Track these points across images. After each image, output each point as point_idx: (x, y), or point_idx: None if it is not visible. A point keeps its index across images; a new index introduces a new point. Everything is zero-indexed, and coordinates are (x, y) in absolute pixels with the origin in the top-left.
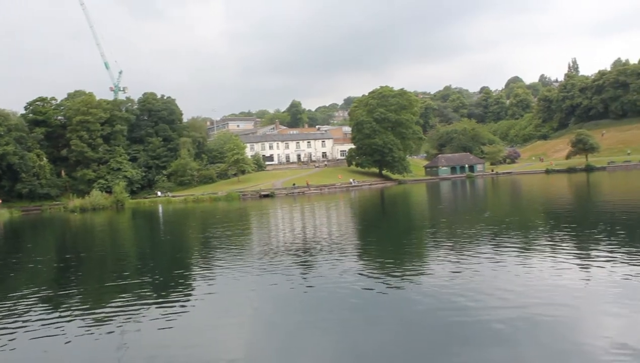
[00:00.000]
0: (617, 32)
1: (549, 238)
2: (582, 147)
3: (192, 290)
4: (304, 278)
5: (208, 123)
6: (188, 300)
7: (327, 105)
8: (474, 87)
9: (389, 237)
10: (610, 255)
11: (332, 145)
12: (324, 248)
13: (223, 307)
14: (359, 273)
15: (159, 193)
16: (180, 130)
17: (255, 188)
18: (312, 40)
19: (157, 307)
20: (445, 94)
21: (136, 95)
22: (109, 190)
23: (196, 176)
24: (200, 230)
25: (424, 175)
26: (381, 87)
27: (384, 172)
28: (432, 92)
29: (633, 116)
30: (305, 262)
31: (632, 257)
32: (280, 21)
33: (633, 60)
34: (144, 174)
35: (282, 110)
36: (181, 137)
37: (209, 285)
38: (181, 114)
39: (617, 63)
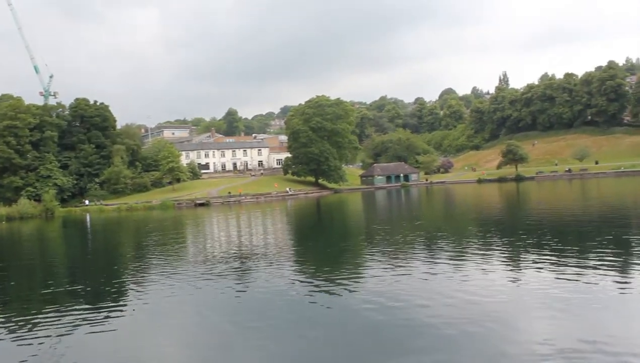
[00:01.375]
0: (545, 48)
1: (481, 246)
2: (512, 157)
3: (123, 300)
4: (240, 286)
5: (142, 130)
6: (119, 311)
7: (263, 113)
8: (409, 98)
9: (325, 245)
10: (539, 261)
11: (269, 154)
12: (260, 257)
13: (156, 316)
14: (295, 281)
15: (87, 202)
16: (114, 137)
17: (190, 196)
18: (249, 47)
19: (88, 317)
20: (381, 104)
21: (68, 101)
22: (38, 199)
23: (130, 184)
24: (134, 239)
25: (360, 184)
26: (318, 96)
27: (320, 180)
28: (368, 102)
29: (559, 128)
30: (241, 270)
31: (560, 263)
32: (217, 27)
33: (559, 75)
34: (75, 181)
35: (219, 118)
36: (115, 145)
37: (141, 294)
38: (115, 121)
39: (545, 77)
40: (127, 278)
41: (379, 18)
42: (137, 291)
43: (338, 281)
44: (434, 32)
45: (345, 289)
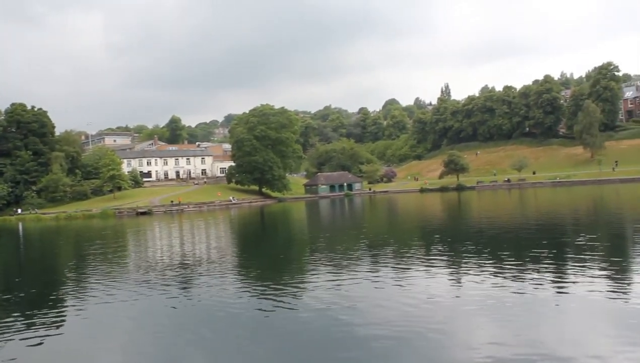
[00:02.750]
0: (485, 61)
1: (423, 254)
2: (454, 167)
3: (57, 311)
4: (182, 297)
5: (83, 137)
6: (57, 323)
7: (207, 121)
8: (353, 108)
9: (269, 254)
10: (479, 268)
11: (212, 163)
12: (203, 266)
13: (93, 326)
14: (239, 291)
15: (19, 211)
16: (53, 144)
17: (132, 205)
18: (193, 55)
19: (20, 327)
20: (325, 114)
21: (4, 106)
22: None
23: (69, 192)
24: (72, 249)
25: (304, 193)
26: (262, 105)
27: (264, 189)
28: (312, 111)
29: (499, 139)
30: (183, 280)
31: (499, 270)
32: (161, 34)
33: (498, 88)
34: (10, 189)
35: (161, 126)
36: (53, 151)
37: (78, 305)
38: (53, 127)
39: (485, 89)
40: (63, 288)
41: (323, 29)
42: (74, 302)
43: (282, 291)
44: (378, 43)
45: (289, 299)
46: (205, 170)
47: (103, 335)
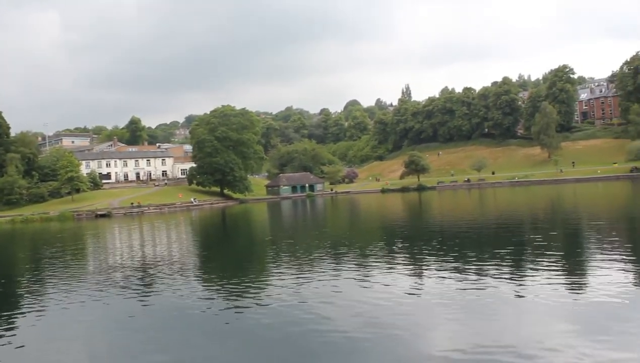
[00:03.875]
0: (446, 63)
1: (385, 254)
2: (414, 168)
3: (19, 314)
4: (142, 299)
5: (39, 138)
6: (12, 327)
7: (168, 122)
8: (314, 109)
9: (231, 255)
10: (441, 267)
11: (173, 164)
12: (164, 268)
13: (53, 330)
14: (200, 292)
15: None
16: (8, 145)
17: (91, 207)
18: (153, 56)
19: None
20: (287, 115)
21: None
22: None
23: (25, 195)
24: (28, 252)
25: (266, 194)
26: (223, 106)
27: (225, 191)
28: (274, 112)
29: (459, 140)
30: (143, 282)
31: (460, 269)
32: (121, 34)
33: (458, 89)
34: None
35: (121, 127)
36: (8, 153)
37: (38, 309)
38: (8, 128)
39: (445, 91)
40: (19, 292)
41: (285, 31)
42: (30, 306)
43: (244, 292)
44: (340, 45)
45: (251, 300)
46: (166, 171)
47: (60, 339)
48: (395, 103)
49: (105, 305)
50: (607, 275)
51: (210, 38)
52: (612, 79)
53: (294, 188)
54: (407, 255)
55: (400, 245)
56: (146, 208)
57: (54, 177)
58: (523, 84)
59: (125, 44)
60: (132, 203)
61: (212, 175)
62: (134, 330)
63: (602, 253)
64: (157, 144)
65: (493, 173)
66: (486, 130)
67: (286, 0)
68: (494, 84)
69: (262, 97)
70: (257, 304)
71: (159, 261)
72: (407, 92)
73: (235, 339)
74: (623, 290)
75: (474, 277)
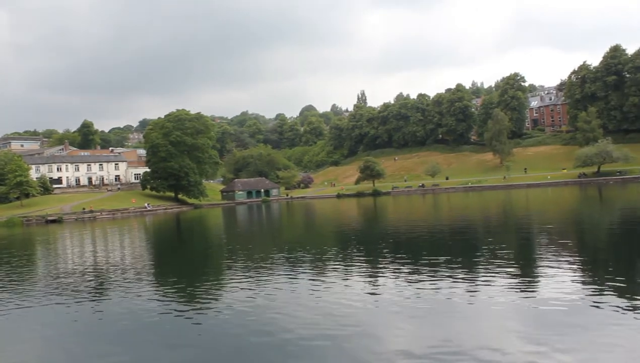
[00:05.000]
0: (401, 69)
1: (341, 259)
2: (369, 173)
3: None
4: (94, 307)
5: None
6: None
7: (121, 126)
8: (270, 114)
9: (185, 261)
10: (395, 272)
11: (126, 168)
12: (116, 275)
13: (4, 340)
14: (154, 299)
15: None
16: None
17: (41, 213)
18: (106, 58)
19: None
20: (242, 120)
21: None
22: None
23: None
24: None
25: (221, 199)
26: (178, 110)
27: (180, 196)
28: (229, 117)
29: (413, 146)
30: (95, 289)
31: (415, 273)
32: (72, 36)
33: (413, 96)
34: None
35: (72, 131)
36: None
37: None
38: None
39: (400, 97)
40: None
41: (242, 35)
42: None
43: (199, 299)
44: (296, 50)
45: (205, 306)
46: (119, 176)
47: (8, 347)
48: (350, 109)
49: (55, 312)
50: (558, 278)
51: (166, 41)
52: (561, 87)
53: (249, 194)
54: (363, 260)
55: (355, 250)
56: (99, 213)
57: (2, 181)
58: (476, 91)
59: (77, 46)
60: (84, 209)
61: (167, 180)
62: (85, 338)
63: (552, 257)
64: (110, 148)
65: (447, 178)
66: (440, 136)
67: (243, 4)
68: (448, 90)
69: (218, 101)
70: (212, 310)
71: (112, 267)
72: (362, 98)
73: (189, 346)
74: (573, 292)
75: (429, 281)
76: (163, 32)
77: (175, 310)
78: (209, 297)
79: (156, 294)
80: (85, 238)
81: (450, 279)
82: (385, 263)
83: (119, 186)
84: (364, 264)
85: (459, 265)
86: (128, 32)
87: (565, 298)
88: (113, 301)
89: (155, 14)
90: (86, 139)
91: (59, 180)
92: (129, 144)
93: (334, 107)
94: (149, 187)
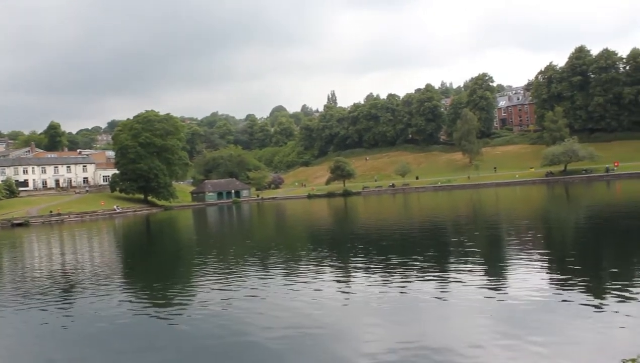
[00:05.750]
0: (370, 70)
1: (312, 259)
2: (340, 173)
3: None
4: (63, 310)
5: None
6: None
7: (89, 128)
8: (240, 114)
9: (155, 264)
10: (367, 271)
11: (95, 170)
12: (85, 278)
13: None
14: (124, 302)
15: None
16: None
17: (6, 216)
18: (73, 59)
19: None
20: (212, 120)
21: None
22: None
23: None
24: None
25: (191, 201)
26: (147, 111)
27: (149, 198)
28: (199, 118)
29: (383, 146)
30: (64, 293)
31: (386, 271)
32: (40, 37)
33: (383, 96)
34: None
35: (39, 132)
36: None
37: None
38: None
39: (370, 97)
40: None
41: (211, 36)
42: None
43: (170, 301)
44: (266, 50)
45: (177, 308)
46: (87, 178)
47: None
48: (321, 109)
49: (24, 316)
50: (526, 275)
51: (135, 42)
52: (528, 87)
53: (219, 195)
54: (334, 260)
55: (327, 250)
56: (66, 216)
57: None
58: (445, 91)
59: (44, 45)
60: (51, 212)
61: (136, 182)
62: (53, 342)
63: (520, 254)
64: (78, 150)
65: (417, 178)
66: (410, 136)
67: (213, 4)
68: (418, 90)
69: (187, 102)
70: (183, 313)
71: (80, 271)
72: (332, 98)
73: (159, 350)
74: (541, 289)
75: (400, 280)
76: (132, 32)
77: (146, 312)
78: (180, 299)
79: (126, 297)
80: (52, 242)
81: (421, 277)
82: (357, 263)
83: (87, 188)
84: (336, 264)
85: (430, 264)
86: (97, 31)
87: (534, 294)
88: (82, 304)
89: (124, 13)
90: (53, 140)
91: (25, 183)
92: (98, 145)
93: (304, 107)
94: (118, 189)
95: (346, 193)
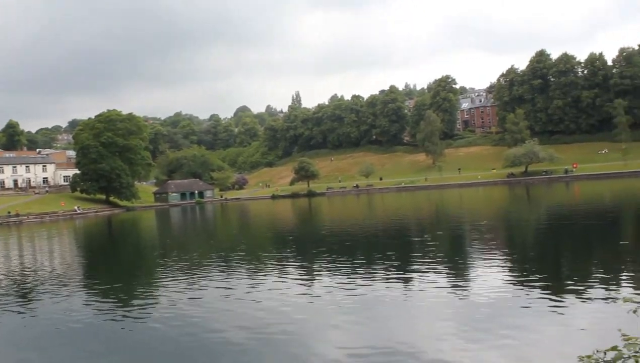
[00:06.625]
0: (335, 71)
1: (277, 260)
2: (304, 174)
3: None
4: (22, 313)
5: None
6: None
7: (49, 127)
8: (204, 115)
9: (118, 265)
10: (332, 271)
11: (55, 170)
12: (45, 281)
13: None
14: (85, 304)
15: None
16: None
17: None
18: (33, 57)
19: None
20: (176, 120)
21: None
22: None
23: None
24: None
25: (154, 201)
26: (109, 110)
27: (111, 198)
28: (162, 118)
29: (347, 146)
30: (22, 296)
31: (351, 272)
32: None
33: (347, 97)
34: None
35: None
36: None
37: None
38: None
39: (334, 98)
40: None
41: (175, 35)
42: None
43: (132, 304)
44: (230, 50)
45: (140, 310)
46: (47, 178)
47: None
48: (285, 110)
49: None
50: (488, 275)
51: (96, 40)
52: (490, 89)
53: (183, 195)
54: (299, 260)
55: (291, 251)
56: (25, 217)
57: None
58: (409, 92)
59: (3, 43)
60: (9, 212)
61: (97, 182)
62: (7, 346)
63: (482, 254)
64: (38, 150)
65: (380, 179)
66: (374, 137)
67: (176, 3)
68: (382, 92)
69: (150, 102)
70: (144, 314)
71: (38, 272)
72: (297, 99)
73: (121, 353)
74: (502, 288)
75: (364, 280)
76: (94, 29)
77: (106, 316)
78: (141, 301)
79: (85, 300)
80: (10, 243)
81: (386, 277)
82: (321, 263)
83: (47, 189)
84: (301, 264)
85: (394, 264)
86: (57, 27)
87: (496, 294)
88: (39, 307)
89: (86, 9)
90: (11, 139)
91: None
92: (58, 145)
93: (268, 107)
94: (79, 189)
95: (310, 194)
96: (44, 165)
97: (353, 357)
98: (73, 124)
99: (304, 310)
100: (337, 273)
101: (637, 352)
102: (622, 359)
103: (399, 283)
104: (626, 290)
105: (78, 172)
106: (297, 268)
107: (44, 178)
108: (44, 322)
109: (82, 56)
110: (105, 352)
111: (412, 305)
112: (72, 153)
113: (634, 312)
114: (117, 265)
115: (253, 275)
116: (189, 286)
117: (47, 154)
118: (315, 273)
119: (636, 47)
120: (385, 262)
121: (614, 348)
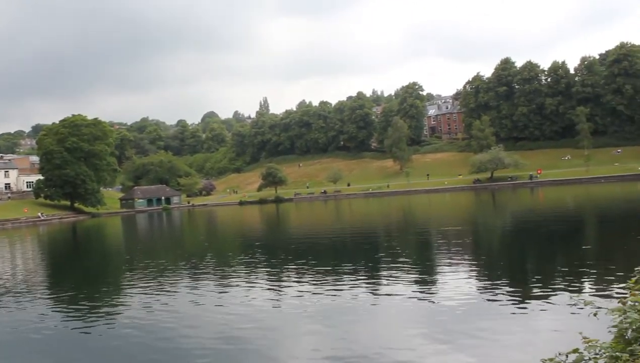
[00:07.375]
0: (303, 77)
1: (244, 266)
2: (272, 180)
3: None
4: None
5: None
6: None
7: (12, 132)
8: (171, 120)
9: (82, 272)
10: (300, 278)
11: (18, 176)
12: (5, 288)
13: None
14: (47, 313)
15: None
16: None
17: None
18: None
19: None
20: (142, 126)
21: None
22: None
23: None
24: None
25: (120, 207)
26: (74, 115)
27: (76, 205)
28: (128, 123)
29: (315, 152)
30: None
31: (318, 278)
32: None
33: (315, 103)
34: None
35: None
36: None
37: None
38: None
39: (302, 104)
40: None
41: (142, 40)
42: None
43: (96, 310)
44: (197, 55)
45: (104, 318)
46: (9, 184)
47: None
48: (253, 115)
49: None
50: (455, 279)
51: (61, 43)
52: (456, 96)
53: (149, 202)
54: (266, 266)
55: (259, 257)
56: None
57: None
58: (376, 99)
59: None
60: None
61: (62, 188)
62: None
63: (450, 259)
64: (0, 155)
65: (348, 184)
66: (342, 143)
67: (143, 7)
68: (349, 98)
69: (116, 107)
70: (109, 321)
71: (1, 281)
72: (265, 105)
73: (85, 359)
74: (470, 292)
75: (332, 285)
76: (58, 31)
77: (69, 325)
78: (106, 307)
79: (52, 307)
80: None
81: (354, 283)
82: (289, 269)
83: (9, 195)
84: (268, 271)
85: (362, 269)
86: (18, 32)
87: (462, 298)
88: (2, 315)
89: (50, 11)
90: None
91: None
92: (21, 150)
93: (236, 113)
94: (42, 195)
95: (278, 200)
96: (6, 171)
97: (322, 362)
98: (36, 128)
99: (271, 318)
100: (304, 278)
101: (597, 354)
102: (583, 361)
103: (367, 289)
104: (588, 294)
105: (42, 178)
106: (264, 274)
107: (6, 184)
108: (8, 330)
109: (45, 60)
110: (74, 358)
111: (380, 310)
112: (35, 158)
113: (595, 314)
114: (80, 274)
115: (220, 281)
116: (154, 294)
117: (9, 160)
118: (283, 279)
119: (597, 56)
120: (353, 268)
121: (575, 350)
